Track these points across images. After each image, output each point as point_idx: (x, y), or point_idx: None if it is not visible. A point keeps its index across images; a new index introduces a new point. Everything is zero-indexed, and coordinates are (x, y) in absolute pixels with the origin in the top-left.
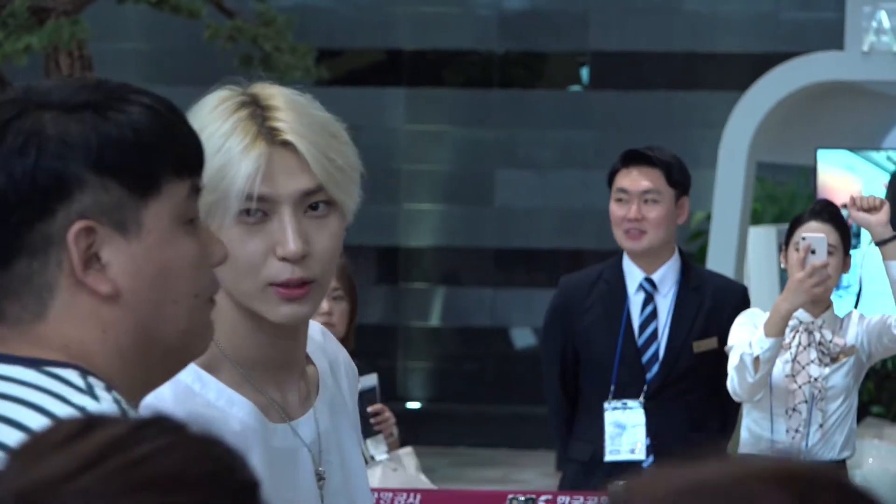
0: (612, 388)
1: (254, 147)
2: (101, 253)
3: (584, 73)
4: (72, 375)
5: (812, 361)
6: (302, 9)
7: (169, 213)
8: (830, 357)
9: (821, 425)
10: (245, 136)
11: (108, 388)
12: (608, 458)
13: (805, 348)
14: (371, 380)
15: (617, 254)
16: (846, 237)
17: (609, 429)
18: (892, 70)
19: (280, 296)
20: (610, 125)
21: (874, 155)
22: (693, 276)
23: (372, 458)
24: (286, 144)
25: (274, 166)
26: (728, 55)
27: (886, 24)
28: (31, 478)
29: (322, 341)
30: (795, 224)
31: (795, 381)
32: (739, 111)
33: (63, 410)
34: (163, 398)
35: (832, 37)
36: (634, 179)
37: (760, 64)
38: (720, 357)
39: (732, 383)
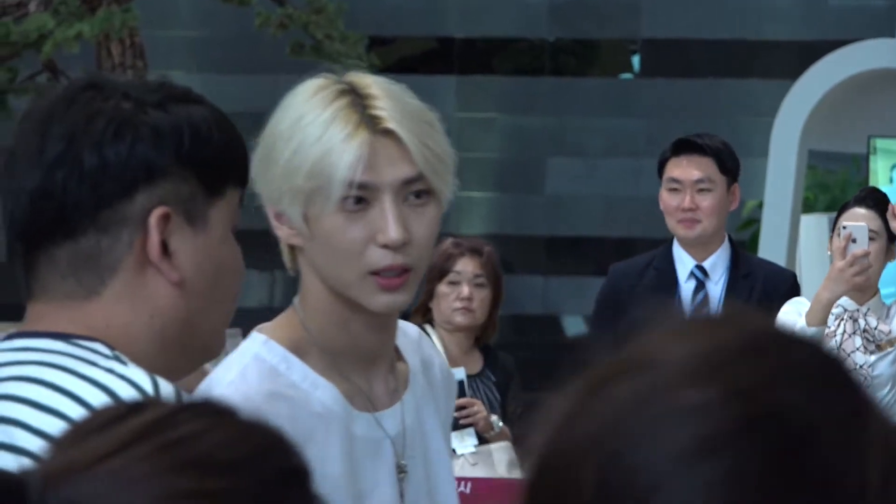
0: None
1: (356, 135)
2: (170, 241)
3: (635, 60)
4: (99, 346)
5: (857, 349)
6: None
7: (227, 215)
8: (876, 344)
9: None
10: (347, 124)
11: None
12: None
13: (850, 336)
14: (459, 373)
15: (667, 242)
16: (886, 223)
17: None
18: None
19: (379, 285)
20: (660, 113)
21: None
22: (743, 264)
23: (453, 451)
24: (388, 133)
25: (376, 154)
26: (778, 43)
27: None
28: (64, 459)
29: (418, 339)
30: (841, 211)
31: None
32: (791, 99)
33: (91, 371)
34: (247, 377)
35: (882, 24)
36: (686, 169)
37: (810, 51)
38: None
39: None
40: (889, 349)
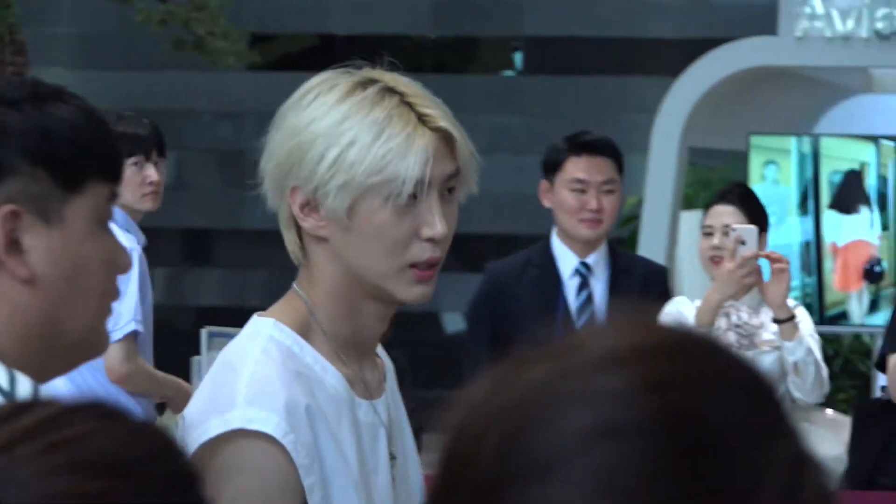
0: None
1: (418, 134)
2: (22, 239)
3: (517, 58)
4: None
5: (731, 345)
6: None
7: (90, 211)
8: (749, 338)
9: None
10: (407, 123)
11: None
12: None
13: (724, 332)
14: None
15: (543, 239)
16: (761, 220)
17: None
18: (825, 55)
19: (417, 277)
20: (542, 110)
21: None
22: (622, 260)
23: None
24: (438, 130)
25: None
26: (661, 40)
27: (820, 9)
28: None
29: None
30: (707, 208)
31: None
32: (672, 96)
33: None
34: (271, 355)
35: (765, 22)
36: (591, 170)
37: (693, 49)
38: None
39: None
40: (765, 348)
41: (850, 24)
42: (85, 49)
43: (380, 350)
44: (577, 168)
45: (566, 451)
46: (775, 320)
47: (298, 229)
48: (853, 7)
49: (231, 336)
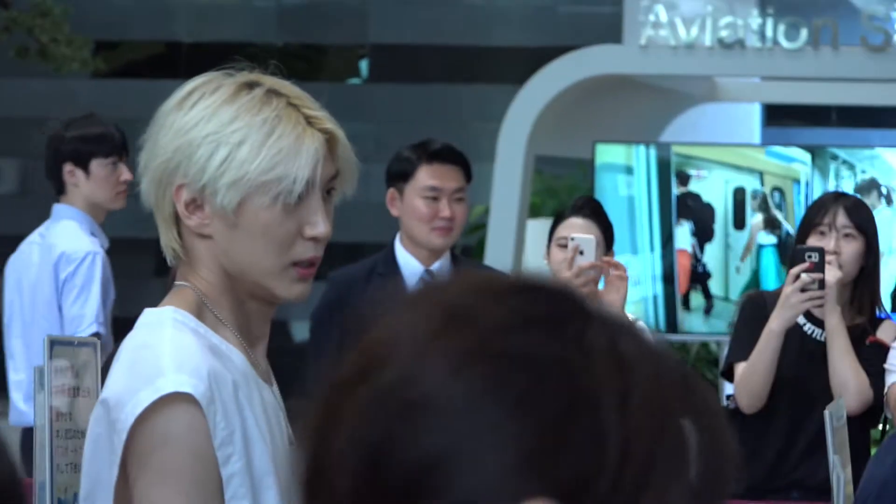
0: None
1: (307, 135)
2: None
3: (363, 65)
4: None
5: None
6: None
7: None
8: None
9: None
10: (296, 124)
11: None
12: None
13: None
14: None
15: (386, 246)
16: (609, 233)
17: None
18: (670, 64)
19: (298, 275)
20: (389, 118)
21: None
22: (464, 268)
23: None
24: (324, 132)
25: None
26: (506, 49)
27: (664, 18)
28: None
29: None
30: (558, 220)
31: None
32: (517, 104)
33: None
34: (183, 333)
35: (610, 31)
36: (444, 178)
37: (539, 57)
38: None
39: None
40: None
41: (694, 32)
42: None
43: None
44: (429, 176)
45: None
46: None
47: (178, 227)
48: (697, 16)
49: (73, 343)
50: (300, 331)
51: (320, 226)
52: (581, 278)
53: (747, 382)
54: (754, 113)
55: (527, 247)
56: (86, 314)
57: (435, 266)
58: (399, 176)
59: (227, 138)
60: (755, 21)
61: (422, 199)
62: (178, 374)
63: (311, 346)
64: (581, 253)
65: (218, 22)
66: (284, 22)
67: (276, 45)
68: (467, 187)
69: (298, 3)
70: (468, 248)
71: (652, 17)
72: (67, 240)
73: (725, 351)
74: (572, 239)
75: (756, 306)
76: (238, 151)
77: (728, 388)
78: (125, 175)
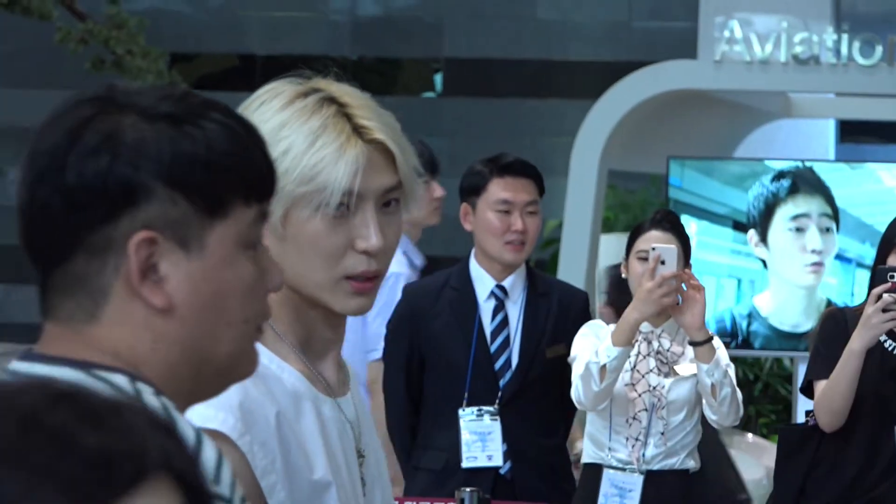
0: (466, 395)
1: (350, 145)
2: (160, 265)
3: (437, 79)
4: (121, 380)
5: (651, 370)
6: (154, 12)
7: (233, 236)
8: (669, 366)
9: (662, 434)
10: (340, 133)
11: (157, 394)
12: (466, 464)
13: (644, 357)
14: None
15: (461, 261)
16: (687, 246)
17: (466, 436)
18: (744, 79)
19: (353, 288)
20: (462, 132)
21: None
22: (539, 283)
23: None
24: (375, 142)
25: (366, 163)
26: (580, 63)
27: (738, 33)
28: None
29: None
30: (637, 233)
31: (635, 390)
32: (591, 119)
33: None
34: None
35: (684, 46)
36: (516, 191)
37: (613, 72)
38: (566, 363)
39: (577, 392)
40: (686, 375)
41: (769, 48)
42: (4, 67)
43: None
44: (501, 189)
45: None
46: (692, 343)
47: None
48: (771, 31)
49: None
50: None
51: (372, 238)
52: (663, 288)
53: (828, 401)
54: (829, 129)
55: (599, 261)
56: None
57: (507, 282)
58: (471, 190)
59: (273, 147)
60: (830, 37)
61: (494, 212)
62: (206, 407)
63: (384, 358)
64: (662, 263)
65: (293, 35)
66: (359, 35)
67: (351, 58)
68: (540, 201)
69: (373, 16)
70: (542, 263)
71: (727, 33)
72: None
73: (799, 366)
74: (653, 249)
75: (836, 323)
76: (282, 161)
77: (808, 405)
78: (437, 192)
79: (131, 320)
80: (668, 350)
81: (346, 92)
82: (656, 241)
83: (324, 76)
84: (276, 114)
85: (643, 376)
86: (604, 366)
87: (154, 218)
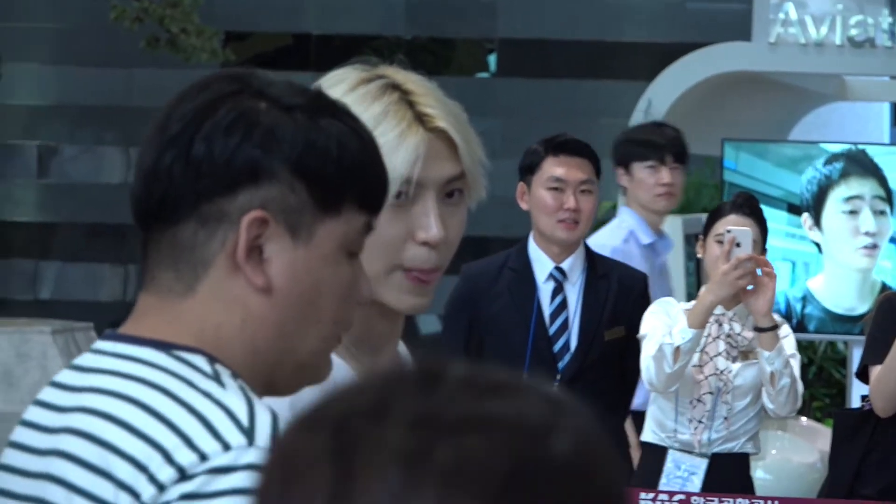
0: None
1: (411, 132)
2: (265, 247)
3: (491, 60)
4: (200, 361)
5: (720, 353)
6: None
7: (340, 237)
8: (738, 350)
9: (725, 418)
10: (401, 120)
11: (234, 376)
12: None
13: (714, 339)
14: None
15: (520, 241)
16: (764, 232)
17: None
18: (799, 61)
19: (410, 281)
20: (516, 113)
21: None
22: (599, 265)
23: None
24: (438, 131)
25: (427, 152)
26: (635, 44)
27: (794, 15)
28: None
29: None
30: (716, 215)
31: (702, 372)
32: (646, 100)
33: (189, 395)
34: None
35: (739, 27)
36: (570, 169)
37: (668, 53)
38: (626, 344)
39: (649, 373)
40: (754, 360)
41: (824, 30)
42: (60, 45)
43: (402, 347)
44: (554, 167)
45: None
46: (757, 328)
47: None
48: (826, 14)
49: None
50: (427, 324)
51: (432, 228)
52: (738, 270)
53: (883, 386)
54: (884, 112)
55: None
56: None
57: (566, 263)
58: (527, 169)
59: None
60: (885, 20)
61: (547, 189)
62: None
63: (443, 339)
64: (738, 245)
65: (347, 14)
66: (413, 15)
67: (405, 38)
68: (596, 181)
69: None
70: None
71: (782, 15)
72: (600, 236)
73: (853, 350)
74: (728, 231)
75: (892, 307)
76: None
77: (863, 389)
78: (664, 178)
79: (227, 296)
80: (738, 334)
81: (410, 79)
82: (734, 225)
83: (389, 62)
84: (341, 100)
85: (711, 359)
86: (678, 347)
87: (271, 200)
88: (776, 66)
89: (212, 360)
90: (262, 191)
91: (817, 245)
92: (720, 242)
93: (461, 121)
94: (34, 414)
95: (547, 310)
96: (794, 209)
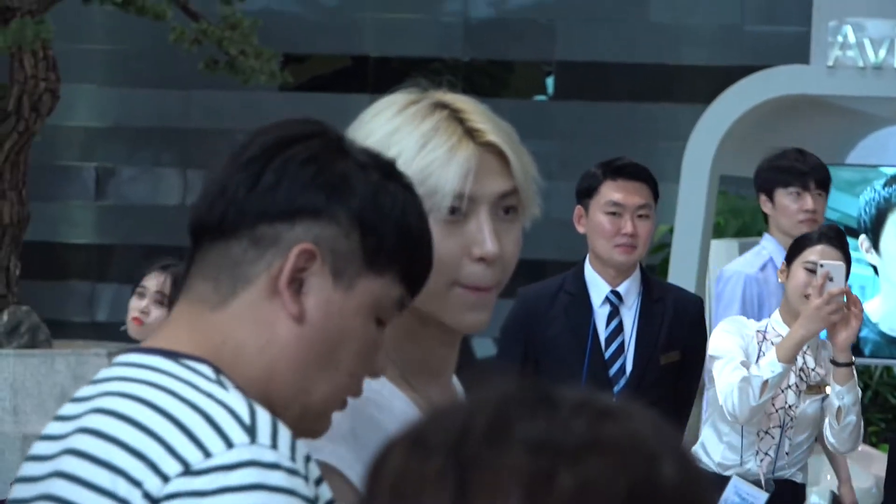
0: None
1: (461, 147)
2: (307, 281)
3: (549, 82)
4: (204, 368)
5: (790, 386)
6: (267, 13)
7: (377, 297)
8: (808, 384)
9: (787, 453)
10: (451, 135)
11: (237, 387)
12: None
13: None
14: None
15: (577, 265)
16: (849, 263)
17: None
18: (857, 85)
19: (468, 297)
20: (573, 136)
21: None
22: (655, 289)
23: None
24: (489, 146)
25: (478, 167)
26: (693, 67)
27: (852, 38)
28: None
29: None
30: (803, 243)
31: (773, 405)
32: (703, 123)
33: (191, 395)
34: None
35: (797, 51)
36: (628, 193)
37: (726, 77)
38: (681, 368)
39: (732, 403)
40: (819, 395)
41: (882, 53)
42: (118, 66)
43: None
44: (612, 191)
45: None
46: (833, 362)
47: None
48: (885, 37)
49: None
50: (482, 347)
51: (487, 244)
52: (831, 305)
53: None
54: None
55: (710, 267)
56: None
57: (622, 287)
58: (585, 192)
59: (385, 153)
60: None
61: (605, 213)
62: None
63: (498, 362)
64: (831, 279)
65: (405, 36)
66: (471, 37)
67: (463, 60)
68: (654, 205)
69: (485, 18)
70: (652, 267)
71: (840, 38)
72: (736, 264)
73: None
74: (821, 266)
75: None
76: None
77: None
78: (808, 205)
79: (258, 316)
80: (812, 369)
81: (459, 99)
82: (824, 256)
83: (437, 86)
84: (389, 121)
85: (783, 391)
86: (766, 380)
87: (325, 239)
88: (834, 90)
89: (217, 370)
90: (319, 228)
91: (874, 268)
92: (810, 271)
93: (512, 137)
94: (51, 427)
95: (603, 333)
96: (851, 232)
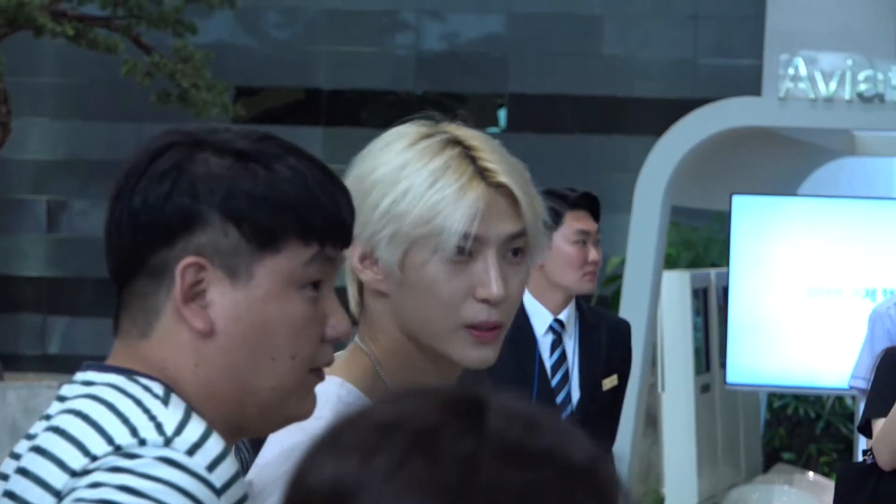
0: None
1: (471, 187)
2: (207, 291)
3: (502, 115)
4: (155, 386)
5: None
6: (219, 46)
7: (284, 272)
8: None
9: None
10: (461, 175)
11: (188, 409)
12: None
13: None
14: None
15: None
16: None
17: None
18: (809, 117)
19: (473, 338)
20: (527, 167)
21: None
22: (589, 315)
23: None
24: (500, 186)
25: (487, 207)
26: (646, 100)
27: (803, 71)
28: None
29: None
30: None
31: None
32: (655, 155)
33: (129, 409)
34: (322, 416)
35: (749, 83)
36: (589, 222)
37: (679, 109)
38: (619, 393)
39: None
40: None
41: (833, 85)
42: (70, 99)
43: None
44: (576, 221)
45: None
46: None
47: (360, 282)
48: (836, 69)
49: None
50: None
51: (492, 286)
52: None
53: (887, 439)
54: (893, 167)
55: (662, 298)
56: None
57: (563, 315)
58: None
59: (393, 187)
60: (895, 76)
61: (571, 244)
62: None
63: None
64: None
65: (357, 69)
66: (423, 70)
67: (415, 93)
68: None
69: (438, 51)
70: (604, 299)
71: (791, 71)
72: None
73: (860, 405)
74: None
75: (894, 362)
76: (401, 202)
77: (863, 444)
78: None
79: (177, 341)
80: None
81: (473, 135)
82: None
83: (451, 120)
84: (399, 155)
85: None
86: None
87: (205, 245)
88: (786, 122)
89: (168, 389)
90: (196, 237)
91: None
92: None
93: (524, 178)
94: (19, 446)
95: (548, 362)
96: None
